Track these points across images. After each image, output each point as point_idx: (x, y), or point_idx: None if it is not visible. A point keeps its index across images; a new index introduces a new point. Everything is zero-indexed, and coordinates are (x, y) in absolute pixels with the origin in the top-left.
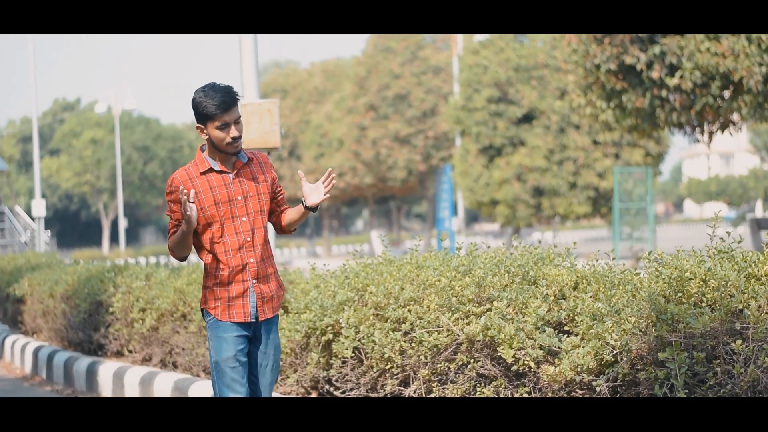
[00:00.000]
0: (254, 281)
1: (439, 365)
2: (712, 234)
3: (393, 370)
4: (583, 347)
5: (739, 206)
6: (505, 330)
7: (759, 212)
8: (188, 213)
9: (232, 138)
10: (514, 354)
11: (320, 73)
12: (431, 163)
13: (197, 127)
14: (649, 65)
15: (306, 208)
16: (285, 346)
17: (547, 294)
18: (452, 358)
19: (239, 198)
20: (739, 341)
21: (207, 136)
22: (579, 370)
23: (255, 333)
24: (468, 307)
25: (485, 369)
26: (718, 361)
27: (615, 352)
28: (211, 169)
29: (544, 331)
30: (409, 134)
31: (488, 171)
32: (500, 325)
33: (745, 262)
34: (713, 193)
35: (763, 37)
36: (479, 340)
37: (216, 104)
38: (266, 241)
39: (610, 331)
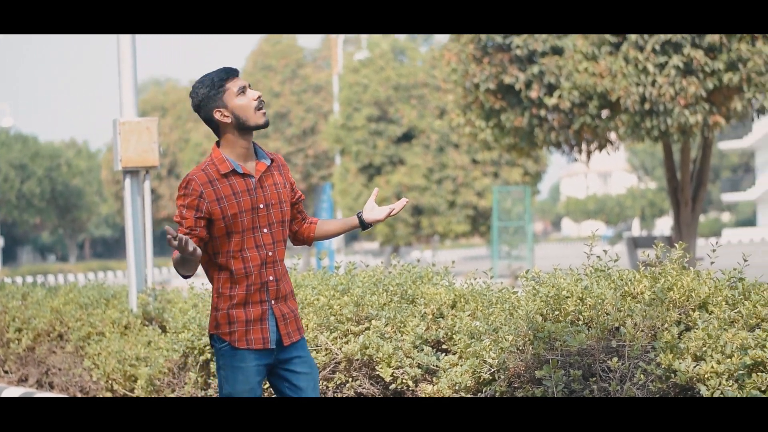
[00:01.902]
0: (273, 302)
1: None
2: (589, 252)
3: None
4: (461, 366)
5: (617, 225)
6: (384, 349)
7: (636, 231)
8: (189, 250)
9: (257, 99)
10: (393, 373)
11: None
12: (311, 182)
13: (216, 112)
14: (528, 85)
15: (361, 222)
16: (163, 366)
17: (425, 313)
18: (330, 377)
19: (261, 206)
20: (615, 359)
21: (229, 118)
22: (457, 388)
23: (282, 358)
24: (346, 326)
25: (363, 388)
26: (595, 378)
27: (492, 370)
28: (233, 171)
29: (423, 350)
30: (289, 153)
31: (368, 190)
32: (378, 343)
33: (622, 280)
34: (591, 211)
35: (640, 57)
36: (357, 359)
37: (221, 71)
38: (283, 257)
39: (487, 350)
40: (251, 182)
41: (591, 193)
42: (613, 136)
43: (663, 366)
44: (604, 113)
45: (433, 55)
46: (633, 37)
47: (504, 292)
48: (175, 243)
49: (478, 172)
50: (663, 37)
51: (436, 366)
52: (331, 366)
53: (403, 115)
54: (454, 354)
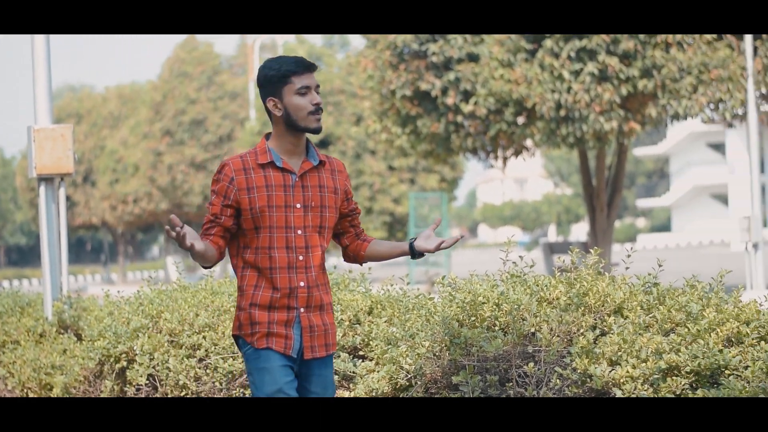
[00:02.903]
0: (302, 310)
1: (234, 391)
2: (505, 258)
3: (188, 396)
4: (378, 372)
5: (533, 231)
6: None
7: (552, 237)
8: (187, 245)
9: (315, 105)
10: None
11: (115, 97)
12: None
13: (269, 101)
14: (444, 91)
15: (412, 250)
16: (78, 374)
17: (342, 319)
18: (247, 384)
19: (298, 206)
20: (532, 364)
21: (281, 111)
22: (374, 394)
23: (301, 372)
24: None
25: None
26: (511, 383)
27: (409, 376)
28: (271, 163)
29: (339, 356)
30: (206, 159)
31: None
32: None
33: (537, 285)
34: (507, 217)
35: (556, 64)
36: None
37: (294, 62)
38: (322, 265)
39: (404, 356)
40: (290, 178)
41: (507, 200)
42: (529, 142)
43: (579, 371)
44: (520, 120)
45: (350, 61)
46: (548, 43)
47: (420, 298)
48: (173, 234)
49: (394, 179)
50: (578, 43)
51: (353, 372)
52: None
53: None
54: (371, 360)
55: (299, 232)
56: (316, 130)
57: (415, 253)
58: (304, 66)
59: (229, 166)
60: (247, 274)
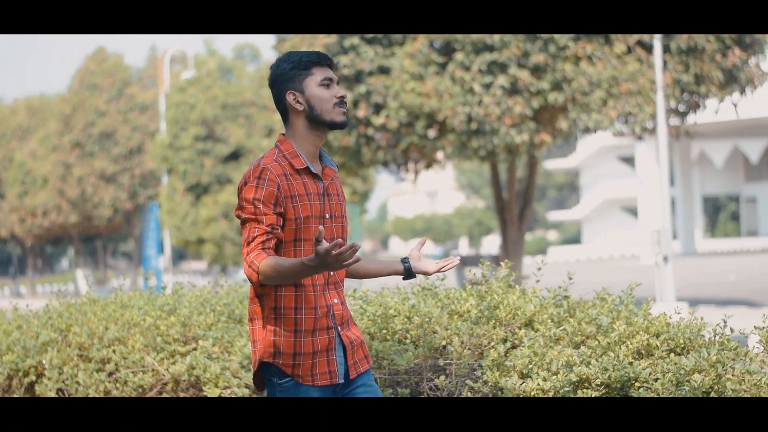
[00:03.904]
0: (339, 328)
1: None
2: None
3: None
4: None
5: (444, 244)
6: (211, 369)
7: (463, 249)
8: (348, 254)
9: (339, 98)
10: (220, 393)
11: (24, 109)
12: (138, 202)
13: (289, 94)
14: (355, 104)
15: (407, 271)
16: None
17: None
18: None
19: (327, 216)
20: (443, 377)
21: (302, 105)
22: None
23: (347, 392)
24: (173, 347)
25: None
26: (423, 396)
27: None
28: (307, 169)
29: (250, 370)
30: (116, 172)
31: (195, 209)
32: (206, 364)
33: (448, 298)
34: (419, 230)
35: (466, 77)
36: (185, 380)
37: (315, 54)
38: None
39: None
40: (320, 186)
41: (419, 212)
42: (440, 155)
43: (490, 384)
44: (431, 133)
45: (261, 74)
46: (459, 56)
47: None
48: (348, 254)
49: None
50: (489, 57)
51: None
52: (158, 387)
53: (230, 135)
54: None
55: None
56: (343, 124)
57: (409, 274)
58: (325, 58)
59: (269, 170)
60: (283, 294)
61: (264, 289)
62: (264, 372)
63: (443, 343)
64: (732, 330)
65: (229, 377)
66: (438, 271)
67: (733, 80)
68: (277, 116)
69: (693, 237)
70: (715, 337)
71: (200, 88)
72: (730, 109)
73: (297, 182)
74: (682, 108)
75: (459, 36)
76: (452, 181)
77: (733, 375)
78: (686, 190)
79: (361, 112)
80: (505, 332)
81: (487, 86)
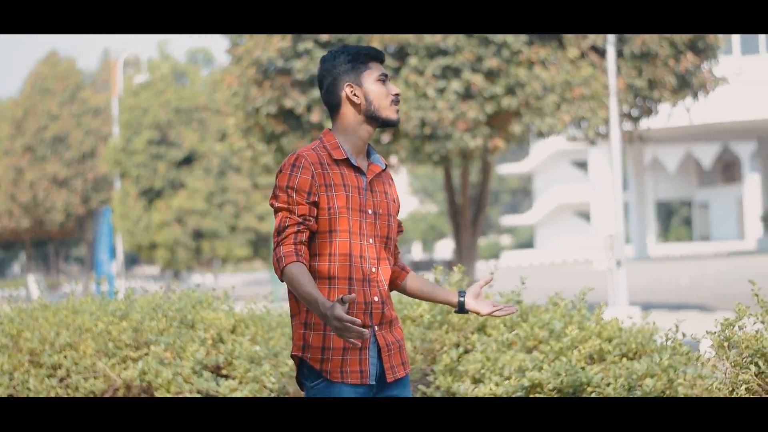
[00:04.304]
0: (376, 327)
1: None
2: None
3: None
4: (241, 391)
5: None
6: (163, 374)
7: (417, 254)
8: (353, 334)
9: (395, 94)
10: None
11: None
12: (90, 206)
13: (347, 86)
14: (309, 109)
15: (461, 306)
16: None
17: (205, 338)
18: None
19: (369, 212)
20: None
21: (359, 99)
22: None
23: (379, 396)
24: (125, 352)
25: None
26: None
27: (273, 395)
28: (347, 161)
29: (202, 375)
30: (68, 176)
31: (148, 214)
32: (157, 369)
33: (401, 303)
34: None
35: (420, 82)
36: (136, 385)
37: (373, 48)
38: (388, 282)
39: (267, 375)
40: (362, 180)
41: None
42: (393, 159)
43: (442, 389)
44: (385, 137)
45: (214, 78)
46: (413, 61)
47: (284, 317)
48: (353, 335)
49: (259, 196)
50: (442, 61)
51: (216, 391)
52: (110, 392)
53: (183, 139)
54: (234, 379)
55: (371, 240)
56: (396, 122)
57: (461, 310)
58: (381, 54)
59: (305, 158)
60: (318, 286)
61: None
62: (299, 373)
63: None
64: (684, 335)
65: (181, 382)
66: (490, 314)
67: (685, 85)
68: (231, 121)
69: (646, 242)
70: (667, 341)
71: (153, 92)
72: (683, 115)
73: (334, 172)
74: (635, 113)
75: (412, 40)
76: (406, 186)
77: (684, 379)
78: (639, 195)
79: (315, 117)
80: (458, 337)
81: (441, 91)
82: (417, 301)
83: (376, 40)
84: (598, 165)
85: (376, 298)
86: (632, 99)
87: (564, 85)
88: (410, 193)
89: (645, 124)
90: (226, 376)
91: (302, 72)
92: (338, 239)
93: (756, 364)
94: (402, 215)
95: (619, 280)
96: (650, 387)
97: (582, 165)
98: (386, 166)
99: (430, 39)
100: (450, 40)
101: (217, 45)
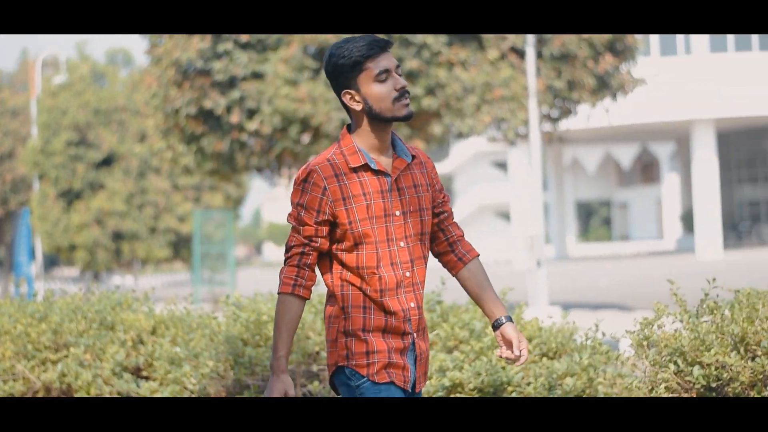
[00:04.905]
0: (415, 334)
1: None
2: None
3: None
4: (162, 392)
5: None
6: (83, 376)
7: None
8: (280, 389)
9: (400, 90)
10: None
11: None
12: (9, 208)
13: (345, 94)
14: (229, 110)
15: (497, 324)
16: None
17: (125, 339)
18: None
19: (397, 213)
20: (316, 383)
21: (360, 104)
22: None
23: None
24: (44, 354)
25: None
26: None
27: (193, 396)
28: (366, 166)
29: (122, 377)
30: None
31: (67, 215)
32: (77, 371)
33: (322, 304)
34: None
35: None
36: (56, 387)
37: (366, 44)
38: (424, 281)
39: (188, 376)
40: (386, 182)
41: None
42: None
43: None
44: (305, 138)
45: (134, 79)
46: None
47: (204, 318)
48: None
49: (179, 197)
50: None
51: (137, 393)
52: (29, 395)
53: (103, 140)
54: (154, 381)
55: (401, 244)
56: (407, 117)
57: (495, 328)
58: (379, 47)
59: (317, 172)
60: (350, 293)
61: (334, 288)
62: (339, 375)
63: (317, 349)
64: (604, 334)
65: (101, 384)
66: (505, 356)
67: (604, 86)
68: (150, 122)
69: (566, 242)
70: (587, 341)
71: (72, 93)
72: (602, 116)
73: (352, 182)
74: (554, 114)
75: (333, 41)
76: None
77: (604, 378)
78: (559, 196)
79: (235, 118)
80: None
81: None
82: None
83: (296, 41)
84: (518, 166)
85: (412, 304)
86: (551, 100)
87: (484, 86)
88: None
89: (564, 125)
90: (147, 378)
91: (222, 73)
92: (365, 252)
93: (675, 363)
94: None
95: (539, 280)
96: (570, 386)
97: (502, 166)
98: (413, 156)
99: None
100: None
101: (136, 46)
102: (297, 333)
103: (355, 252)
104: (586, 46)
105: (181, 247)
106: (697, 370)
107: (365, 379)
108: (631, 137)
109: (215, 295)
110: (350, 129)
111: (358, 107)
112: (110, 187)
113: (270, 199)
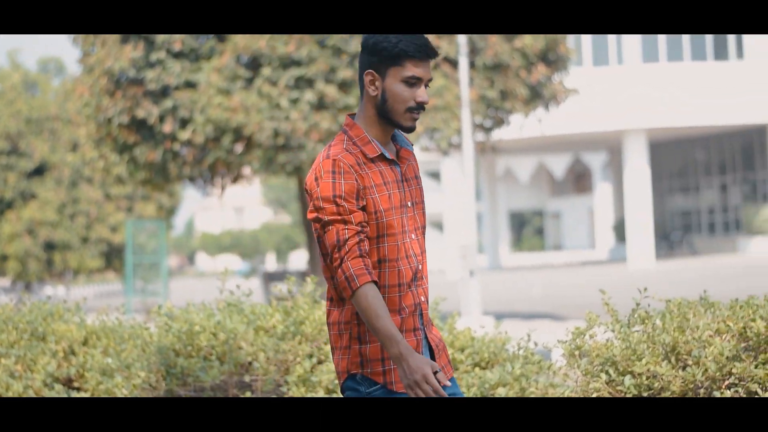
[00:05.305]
0: (425, 328)
1: None
2: (222, 287)
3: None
4: None
5: (252, 259)
6: (14, 388)
7: (271, 265)
8: (426, 378)
9: (418, 103)
10: None
11: None
12: None
13: (367, 74)
14: (162, 119)
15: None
16: None
17: (56, 350)
18: None
19: (409, 204)
20: (249, 393)
21: (376, 92)
22: None
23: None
24: None
25: None
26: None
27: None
28: (382, 156)
29: (54, 388)
30: None
31: None
32: (8, 383)
33: (254, 314)
34: (226, 246)
35: (273, 92)
36: None
37: (416, 44)
38: None
39: (120, 387)
40: (398, 172)
41: (226, 228)
42: (247, 170)
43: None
44: (238, 148)
45: (66, 88)
46: (266, 72)
47: (136, 328)
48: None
49: (111, 207)
50: (296, 72)
51: None
52: None
53: (34, 149)
54: (85, 391)
55: (413, 236)
56: (409, 129)
57: None
58: (425, 53)
59: (342, 161)
60: None
61: (344, 291)
62: (349, 381)
63: (249, 359)
64: (536, 344)
65: (32, 395)
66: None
67: (537, 96)
68: (83, 131)
69: (499, 252)
70: (519, 351)
71: (4, 101)
72: (535, 125)
73: (372, 171)
74: (487, 124)
75: (266, 51)
76: (259, 197)
77: (537, 388)
78: (492, 205)
79: (168, 127)
80: (311, 348)
81: (294, 101)
82: (270, 312)
83: (229, 50)
84: (451, 175)
85: (422, 298)
86: (484, 110)
87: None
88: (264, 203)
89: (497, 134)
90: (78, 389)
91: (154, 82)
92: (387, 244)
93: (606, 373)
94: (255, 226)
95: (472, 290)
96: (502, 396)
97: (435, 175)
98: (411, 144)
99: (283, 49)
100: (303, 51)
101: (68, 54)
102: (229, 343)
103: (377, 245)
104: (519, 56)
105: (113, 257)
106: (628, 380)
107: (379, 386)
108: (564, 147)
109: (148, 306)
110: (356, 118)
111: (372, 93)
112: (42, 196)
113: (203, 209)
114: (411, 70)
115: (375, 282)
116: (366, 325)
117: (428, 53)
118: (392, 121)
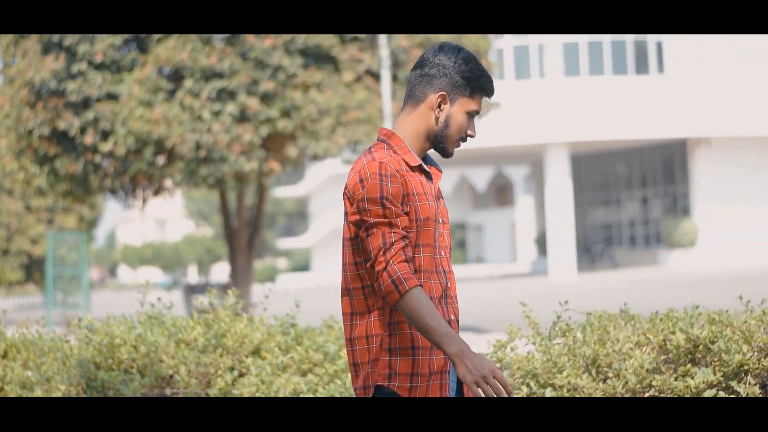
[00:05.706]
0: None
1: None
2: (143, 300)
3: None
4: None
5: (174, 272)
6: None
7: (193, 277)
8: (495, 374)
9: (469, 134)
10: None
11: None
12: None
13: (440, 95)
14: (83, 131)
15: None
16: None
17: None
18: None
19: (440, 221)
20: None
21: (440, 116)
22: None
23: None
24: None
25: None
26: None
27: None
28: (421, 167)
29: None
30: None
31: None
32: None
33: (175, 327)
34: (147, 258)
35: (195, 105)
36: None
37: (491, 83)
38: None
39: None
40: (431, 187)
41: (147, 240)
42: (168, 182)
43: None
44: (160, 160)
45: None
46: (188, 84)
47: (57, 341)
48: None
49: (32, 219)
50: (218, 84)
51: None
52: None
53: None
54: None
55: (443, 253)
56: (448, 155)
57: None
58: (491, 91)
59: (388, 165)
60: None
61: (370, 302)
62: (377, 395)
63: (170, 372)
64: None
65: None
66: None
67: None
68: (3, 142)
69: None
70: None
71: None
72: None
73: (414, 179)
74: None
75: (188, 63)
76: (181, 209)
77: None
78: None
79: (89, 139)
80: (233, 360)
81: (216, 114)
82: (191, 324)
83: (150, 62)
84: None
85: (452, 317)
86: None
87: (339, 108)
88: (186, 216)
89: None
90: None
91: (76, 93)
92: (423, 254)
93: (527, 385)
94: (177, 238)
95: None
96: None
97: None
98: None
99: (205, 62)
100: (225, 63)
101: None
102: (150, 356)
103: (413, 254)
104: None
105: (33, 270)
106: (549, 392)
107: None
108: (486, 160)
109: (68, 318)
110: (396, 129)
111: (435, 114)
112: None
113: (124, 221)
114: (477, 105)
115: (422, 286)
116: (416, 327)
117: (490, 92)
118: (441, 145)
